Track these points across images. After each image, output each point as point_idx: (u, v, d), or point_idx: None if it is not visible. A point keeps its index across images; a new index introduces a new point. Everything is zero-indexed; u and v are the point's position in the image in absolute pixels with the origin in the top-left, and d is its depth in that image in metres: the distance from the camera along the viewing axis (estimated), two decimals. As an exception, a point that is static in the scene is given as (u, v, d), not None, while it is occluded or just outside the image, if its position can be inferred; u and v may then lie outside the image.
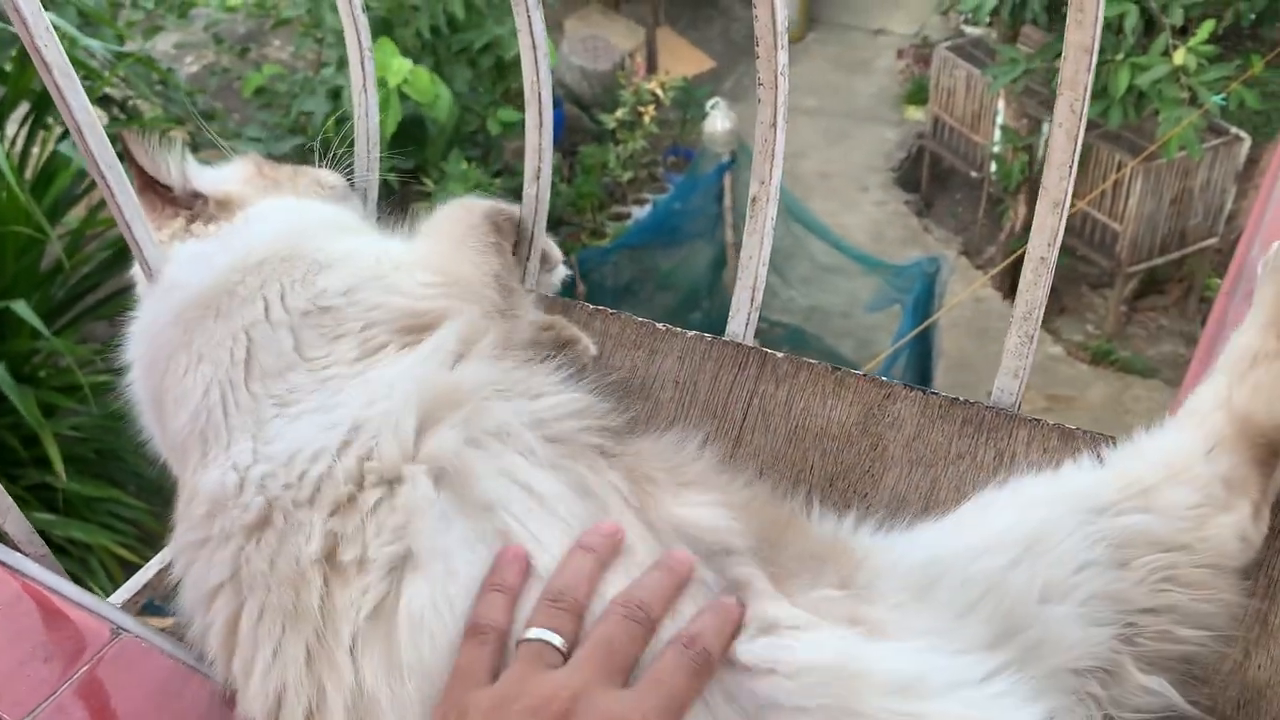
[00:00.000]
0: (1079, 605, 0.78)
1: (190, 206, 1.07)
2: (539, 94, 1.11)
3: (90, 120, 0.94)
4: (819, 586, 0.76)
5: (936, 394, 0.96)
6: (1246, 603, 0.81)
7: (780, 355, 1.02)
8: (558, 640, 0.70)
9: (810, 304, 7.65)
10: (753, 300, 1.07)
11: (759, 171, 1.02)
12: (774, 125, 0.99)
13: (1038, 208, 0.90)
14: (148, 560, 1.08)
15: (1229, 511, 0.81)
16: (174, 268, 1.01)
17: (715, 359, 1.05)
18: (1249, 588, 0.81)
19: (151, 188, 1.07)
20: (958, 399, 0.96)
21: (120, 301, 4.61)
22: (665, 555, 0.75)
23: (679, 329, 1.08)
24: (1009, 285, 8.63)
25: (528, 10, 1.06)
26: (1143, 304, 8.64)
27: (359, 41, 1.18)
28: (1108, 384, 7.92)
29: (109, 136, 0.97)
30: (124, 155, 1.04)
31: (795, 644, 0.70)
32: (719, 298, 8.24)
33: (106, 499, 4.00)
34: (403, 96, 5.14)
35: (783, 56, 0.96)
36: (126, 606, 1.00)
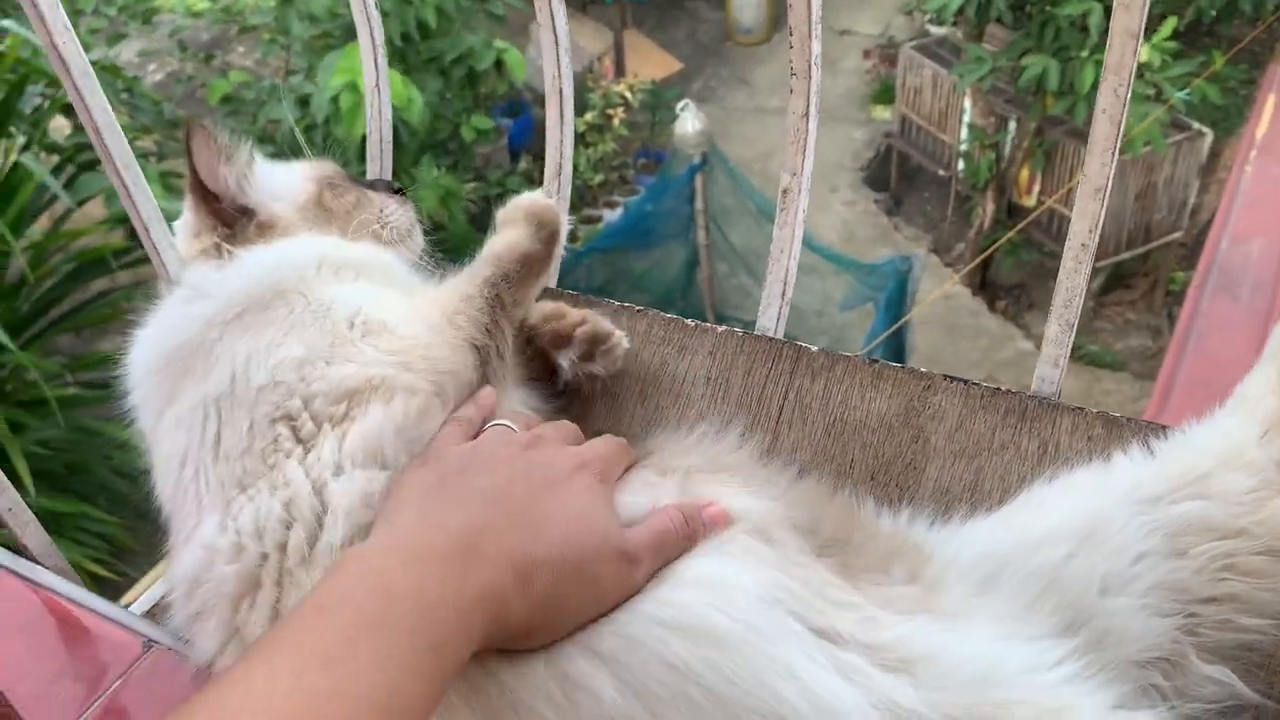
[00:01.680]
0: (1140, 597, 0.78)
1: (232, 223, 1.02)
2: (560, 89, 1.10)
3: (109, 120, 0.92)
4: (890, 584, 0.76)
5: (978, 385, 0.96)
6: None
7: (815, 349, 1.01)
8: (515, 428, 0.83)
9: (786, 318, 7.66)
10: (783, 294, 1.06)
11: (790, 163, 1.01)
12: (805, 115, 0.98)
13: (1079, 194, 0.90)
14: (121, 575, 1.05)
15: None
16: (174, 299, 0.97)
17: (748, 354, 1.04)
18: (1309, 571, 0.81)
19: (200, 189, 1.03)
20: (999, 389, 0.96)
21: (87, 313, 4.55)
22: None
23: (709, 325, 1.06)
24: (979, 282, 8.71)
25: (550, 5, 1.04)
26: (1109, 299, 8.74)
27: (372, 39, 1.16)
28: (1077, 378, 8.00)
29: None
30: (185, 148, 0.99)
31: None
32: (693, 299, 8.25)
33: (77, 514, 3.93)
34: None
35: (816, 45, 0.95)
36: (151, 616, 0.98)
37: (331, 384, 0.84)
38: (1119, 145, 0.86)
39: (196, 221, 1.02)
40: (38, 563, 0.98)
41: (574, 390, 1.03)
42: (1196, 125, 8.00)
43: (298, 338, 0.87)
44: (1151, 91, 6.62)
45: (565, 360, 1.01)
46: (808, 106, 0.97)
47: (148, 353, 0.94)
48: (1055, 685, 0.70)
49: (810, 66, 0.95)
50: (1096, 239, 0.90)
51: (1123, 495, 0.82)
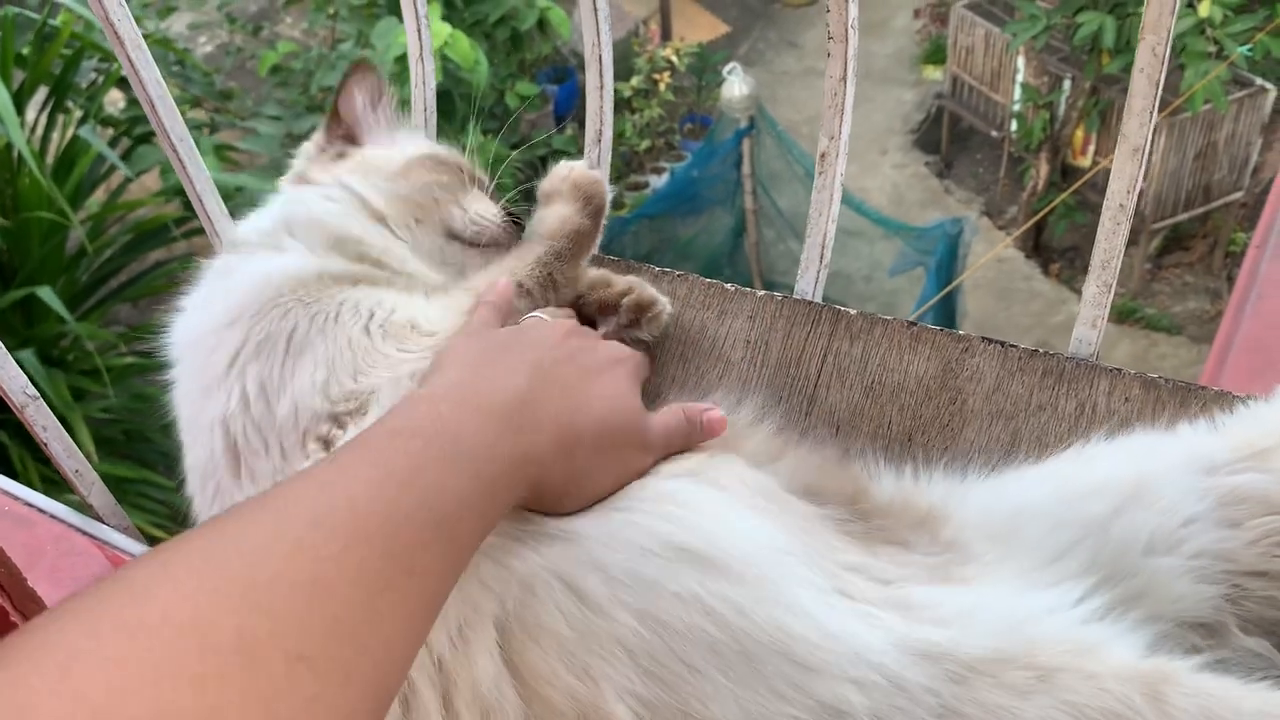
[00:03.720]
0: (1185, 559, 0.77)
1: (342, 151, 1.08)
2: (599, 56, 1.11)
3: (162, 93, 0.95)
4: (909, 553, 0.77)
5: (1015, 346, 0.96)
6: None
7: (854, 312, 1.02)
8: (549, 319, 0.88)
9: (832, 269, 7.54)
10: (821, 258, 1.06)
11: (828, 127, 1.01)
12: (843, 79, 0.99)
13: (1117, 153, 0.90)
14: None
15: None
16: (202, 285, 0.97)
17: (787, 317, 1.05)
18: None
19: (333, 112, 1.09)
20: (1037, 350, 0.96)
21: (143, 284, 4.66)
22: None
23: (748, 289, 1.08)
24: (1032, 245, 8.58)
25: (589, -29, 1.05)
26: (1167, 261, 8.59)
27: (415, 9, 1.17)
28: (1133, 341, 7.88)
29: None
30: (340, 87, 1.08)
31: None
32: (739, 265, 8.22)
33: (137, 480, 4.04)
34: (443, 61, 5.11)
35: (853, 9, 0.95)
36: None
37: (363, 397, 0.82)
38: (1157, 105, 0.86)
39: (320, 139, 1.09)
40: (103, 522, 1.02)
41: (615, 354, 1.05)
42: (1259, 81, 7.78)
43: (311, 359, 0.84)
44: (1212, 48, 6.45)
45: (610, 327, 1.02)
46: (845, 70, 0.98)
47: (174, 342, 0.94)
48: (1078, 625, 0.70)
49: (848, 30, 0.96)
50: (1134, 199, 0.90)
51: (1179, 459, 0.82)
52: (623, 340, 1.03)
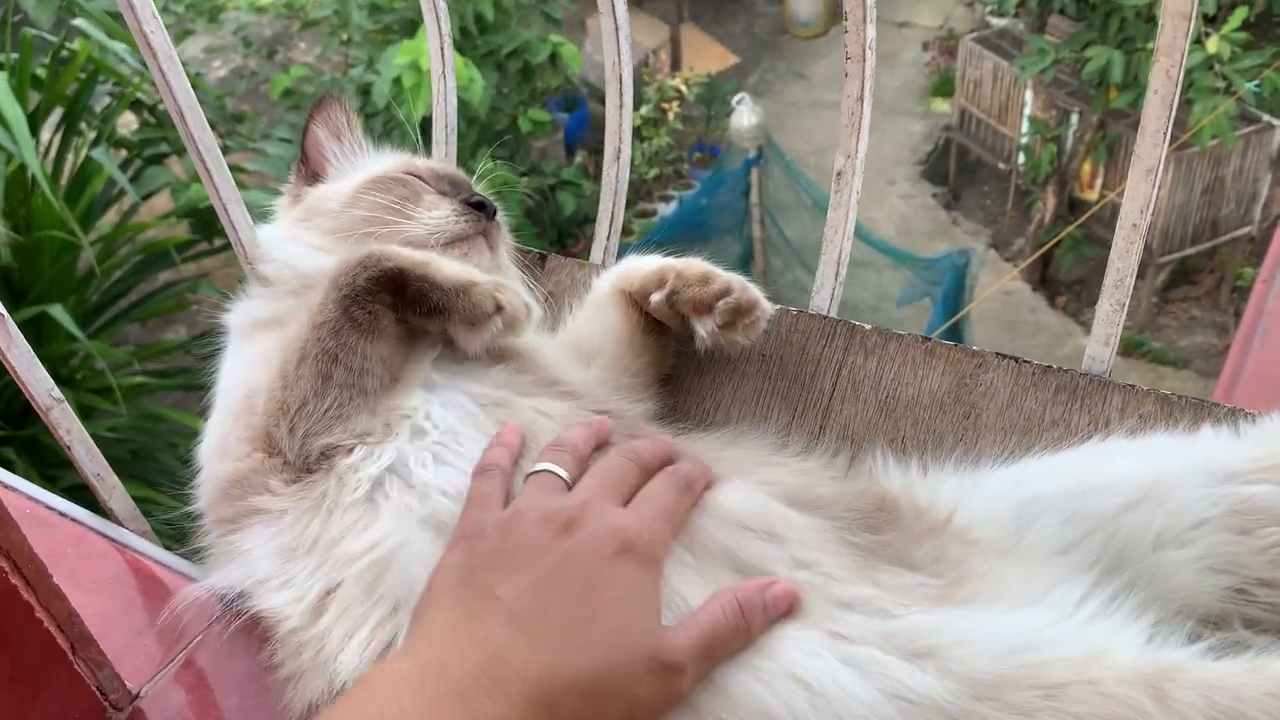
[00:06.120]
0: (1194, 557, 0.78)
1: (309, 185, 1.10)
2: (620, 75, 1.12)
3: (191, 103, 0.96)
4: (913, 571, 0.78)
5: (1029, 362, 0.97)
6: None
7: (868, 327, 1.03)
8: (562, 472, 0.78)
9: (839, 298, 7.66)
10: (837, 274, 1.08)
11: (845, 145, 1.03)
12: (860, 99, 1.00)
13: (1130, 175, 0.91)
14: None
15: None
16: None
17: (802, 331, 1.06)
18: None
19: (301, 151, 1.10)
20: (1050, 367, 0.97)
21: (152, 305, 4.68)
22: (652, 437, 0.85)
23: (764, 304, 1.09)
24: (1039, 278, 8.60)
25: (611, -9, 1.07)
26: (1174, 295, 8.60)
27: (439, 26, 1.19)
28: (1140, 375, 7.88)
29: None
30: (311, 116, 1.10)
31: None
32: (746, 293, 8.24)
33: (143, 499, 4.04)
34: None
35: (871, 30, 0.97)
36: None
37: None
38: (1170, 126, 0.87)
39: (290, 182, 1.10)
40: (123, 526, 1.03)
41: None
42: (1267, 118, 7.82)
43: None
44: (1220, 84, 6.49)
45: (704, 329, 0.97)
46: (862, 90, 0.99)
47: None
48: (1080, 628, 0.71)
49: (865, 50, 0.97)
50: (1148, 220, 0.91)
51: (1196, 464, 0.83)
52: (718, 343, 0.98)
